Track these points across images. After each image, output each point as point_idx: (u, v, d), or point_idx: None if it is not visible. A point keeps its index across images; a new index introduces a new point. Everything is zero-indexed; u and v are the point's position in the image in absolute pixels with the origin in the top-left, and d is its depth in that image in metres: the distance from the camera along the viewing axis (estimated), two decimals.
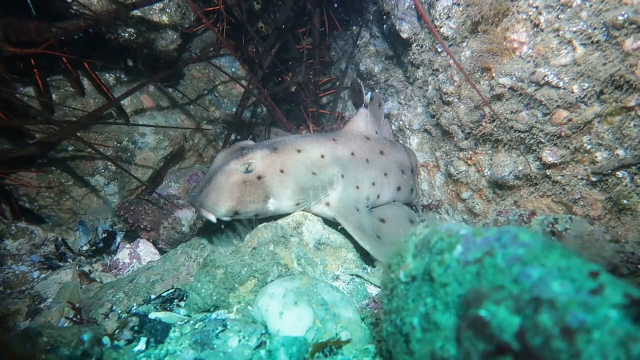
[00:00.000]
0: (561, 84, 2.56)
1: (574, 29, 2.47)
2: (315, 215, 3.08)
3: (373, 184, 3.29)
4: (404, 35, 3.78)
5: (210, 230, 3.23)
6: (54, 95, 3.74)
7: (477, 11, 2.87)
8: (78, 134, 3.78)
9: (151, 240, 3.58)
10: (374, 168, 3.31)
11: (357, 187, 3.21)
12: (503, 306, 1.22)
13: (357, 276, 2.79)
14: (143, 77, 4.23)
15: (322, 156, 3.09)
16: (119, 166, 3.63)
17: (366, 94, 3.52)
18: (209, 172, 3.00)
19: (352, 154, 3.22)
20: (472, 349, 1.26)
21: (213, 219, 2.85)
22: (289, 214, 3.01)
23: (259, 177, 2.86)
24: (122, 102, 4.06)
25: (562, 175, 2.80)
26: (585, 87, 2.49)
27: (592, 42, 2.42)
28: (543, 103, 2.66)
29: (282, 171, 2.92)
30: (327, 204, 3.08)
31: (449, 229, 1.64)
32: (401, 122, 4.07)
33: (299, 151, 3.03)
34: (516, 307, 1.20)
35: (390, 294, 1.80)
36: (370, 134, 3.45)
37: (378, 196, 3.36)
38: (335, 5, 4.91)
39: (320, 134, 3.45)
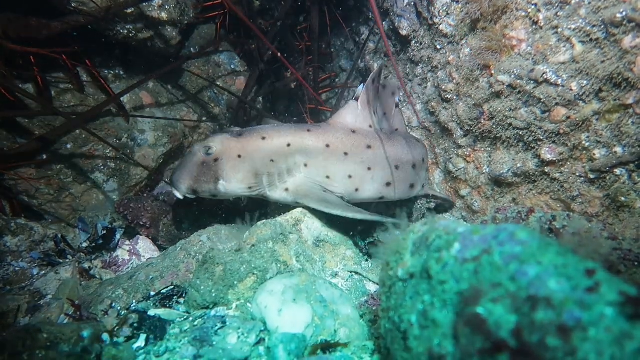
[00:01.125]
0: (560, 81, 2.57)
1: (573, 26, 2.47)
2: (276, 201, 3.19)
3: (350, 177, 3.24)
4: (403, 33, 3.78)
5: (209, 228, 3.24)
6: (53, 92, 3.74)
7: (477, 8, 2.87)
8: (80, 130, 3.79)
9: (150, 237, 3.58)
10: (354, 162, 3.24)
11: (328, 177, 3.21)
12: (500, 304, 1.23)
13: (356, 273, 2.80)
14: (142, 73, 4.23)
15: (289, 145, 3.14)
16: (126, 156, 3.64)
17: (360, 86, 3.44)
18: None
19: (327, 145, 3.20)
20: (469, 346, 1.27)
21: (178, 195, 3.15)
22: (248, 197, 3.21)
23: (216, 160, 3.08)
24: (121, 98, 4.06)
25: (561, 173, 2.81)
26: (583, 85, 2.50)
27: (591, 39, 2.42)
28: (542, 100, 2.67)
29: (239, 156, 3.09)
30: (286, 189, 3.15)
31: (447, 227, 1.64)
32: None
33: (263, 138, 3.12)
34: (513, 305, 1.21)
35: (389, 291, 1.81)
36: (359, 127, 3.37)
37: (356, 190, 3.30)
38: (334, 1, 4.90)
39: (297, 124, 3.44)
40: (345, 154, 3.22)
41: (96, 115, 3.84)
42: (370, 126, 3.43)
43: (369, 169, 3.29)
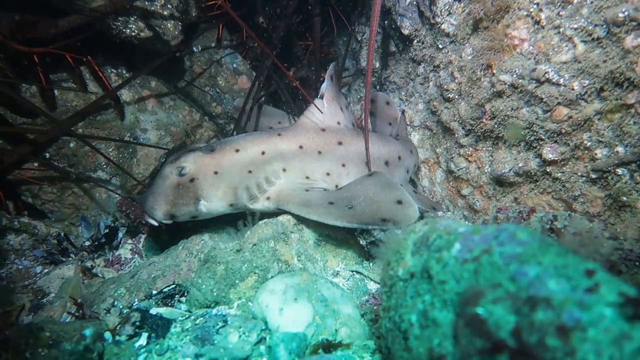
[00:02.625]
0: (561, 81, 2.56)
1: (575, 25, 2.47)
2: (259, 211, 3.09)
3: (327, 174, 3.23)
4: (405, 32, 3.78)
5: (211, 227, 3.25)
6: (56, 92, 3.75)
7: (480, 8, 2.87)
8: (82, 129, 3.80)
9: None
10: (329, 159, 3.24)
11: (307, 178, 3.18)
12: (500, 304, 1.24)
13: (357, 272, 2.81)
14: (145, 73, 4.24)
15: (263, 153, 3.10)
16: (119, 166, 3.65)
17: (323, 84, 3.39)
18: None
19: (300, 147, 3.19)
20: (469, 346, 1.27)
21: (154, 222, 3.07)
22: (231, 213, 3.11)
23: (192, 180, 2.99)
24: (124, 98, 4.07)
25: (562, 172, 2.81)
26: (585, 84, 2.49)
27: (593, 39, 2.42)
28: (543, 100, 2.66)
29: (216, 172, 3.01)
30: (268, 198, 3.09)
31: (447, 227, 1.65)
32: None
33: (237, 151, 3.07)
34: (513, 305, 1.21)
35: (389, 290, 1.81)
36: (328, 125, 3.36)
37: (336, 186, 3.25)
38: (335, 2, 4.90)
39: (267, 130, 3.40)
40: (319, 152, 3.22)
41: (95, 111, 3.84)
42: (339, 122, 3.42)
43: (343, 165, 3.29)
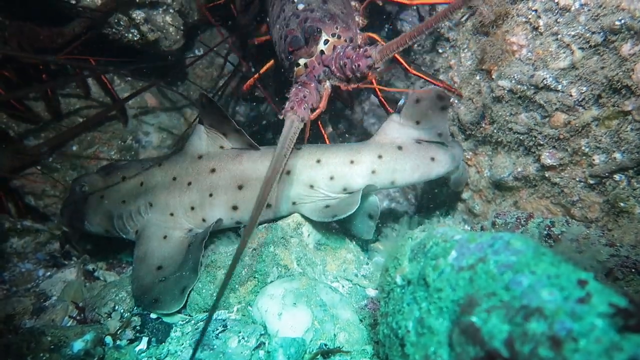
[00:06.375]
0: (560, 87, 2.58)
1: (573, 32, 2.48)
2: None
3: (192, 208, 2.88)
4: None
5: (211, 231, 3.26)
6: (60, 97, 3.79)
7: (489, 12, 2.86)
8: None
9: None
10: (197, 190, 2.87)
11: (172, 215, 2.91)
12: (494, 313, 1.25)
13: (353, 283, 2.80)
14: (147, 76, 4.26)
15: (142, 184, 2.97)
16: None
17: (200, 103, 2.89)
18: None
19: (174, 178, 2.91)
20: (463, 355, 1.29)
21: (64, 228, 3.42)
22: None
23: (85, 200, 3.10)
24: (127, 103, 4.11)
25: (561, 178, 2.82)
26: (583, 91, 2.51)
27: (590, 46, 2.43)
28: (542, 106, 2.68)
29: (102, 197, 3.07)
30: (135, 232, 2.98)
31: (444, 234, 1.67)
32: None
33: (123, 178, 3.05)
34: (506, 315, 1.23)
35: (387, 296, 1.83)
36: (207, 151, 2.94)
37: (203, 220, 2.90)
38: None
39: (157, 158, 3.19)
40: (189, 183, 2.88)
41: (101, 120, 3.89)
42: (222, 147, 2.95)
43: (211, 195, 2.86)
